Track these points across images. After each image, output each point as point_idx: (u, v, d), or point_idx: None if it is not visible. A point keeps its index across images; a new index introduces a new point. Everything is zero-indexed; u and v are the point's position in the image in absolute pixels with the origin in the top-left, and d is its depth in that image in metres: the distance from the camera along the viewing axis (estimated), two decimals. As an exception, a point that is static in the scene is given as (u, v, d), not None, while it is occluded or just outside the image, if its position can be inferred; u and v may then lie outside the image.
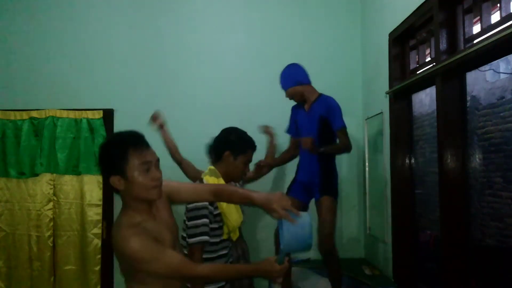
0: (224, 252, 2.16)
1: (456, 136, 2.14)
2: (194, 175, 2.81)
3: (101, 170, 1.50)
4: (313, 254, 3.48)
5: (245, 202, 1.69)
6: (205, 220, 2.01)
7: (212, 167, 2.25)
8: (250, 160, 2.28)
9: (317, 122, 2.79)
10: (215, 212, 2.08)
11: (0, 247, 3.36)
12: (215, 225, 2.08)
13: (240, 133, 2.29)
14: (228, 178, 2.22)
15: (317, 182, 2.76)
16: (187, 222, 2.05)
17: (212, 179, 2.16)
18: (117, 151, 1.43)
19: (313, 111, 2.82)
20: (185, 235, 2.08)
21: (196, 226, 2.00)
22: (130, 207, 1.48)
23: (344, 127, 2.77)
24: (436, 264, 2.49)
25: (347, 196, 3.55)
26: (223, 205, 2.10)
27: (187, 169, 2.92)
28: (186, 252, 2.02)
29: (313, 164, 2.78)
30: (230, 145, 2.20)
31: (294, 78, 2.85)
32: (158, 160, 1.50)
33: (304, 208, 2.83)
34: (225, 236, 2.15)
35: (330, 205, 2.69)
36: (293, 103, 3.00)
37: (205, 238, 2.00)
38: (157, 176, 1.46)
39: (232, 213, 2.17)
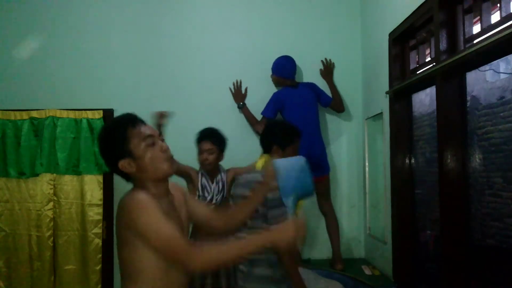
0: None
1: (456, 136, 2.14)
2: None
3: (107, 161, 1.45)
4: (313, 254, 3.49)
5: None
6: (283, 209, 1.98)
7: (267, 156, 2.21)
8: (298, 147, 2.28)
9: (311, 96, 3.31)
10: None
11: (0, 247, 3.36)
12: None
13: (283, 126, 2.32)
14: None
15: (321, 160, 3.20)
16: (267, 212, 1.98)
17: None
18: (117, 135, 1.40)
19: (302, 88, 3.35)
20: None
21: (280, 215, 1.92)
22: (146, 187, 1.41)
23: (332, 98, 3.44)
24: (436, 264, 2.49)
25: (347, 196, 3.55)
26: None
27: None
28: None
29: (318, 144, 3.23)
30: (276, 139, 2.21)
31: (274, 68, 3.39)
32: (160, 134, 1.50)
33: None
34: None
35: (329, 179, 3.34)
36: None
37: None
38: (165, 146, 1.44)
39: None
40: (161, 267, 1.37)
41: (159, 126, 2.84)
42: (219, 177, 2.79)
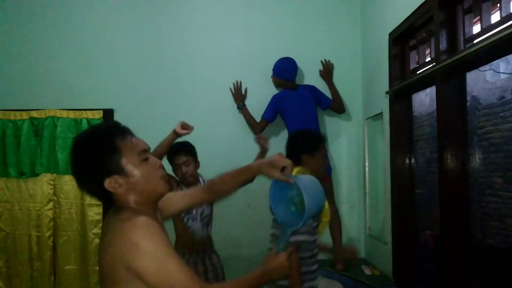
0: (317, 251, 2.14)
1: (456, 136, 2.14)
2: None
3: (86, 179, 1.18)
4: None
5: (245, 179, 1.46)
6: None
7: (300, 167, 2.20)
8: (326, 151, 2.33)
9: (310, 98, 3.31)
10: None
11: (0, 247, 3.36)
12: (314, 223, 2.06)
13: (306, 134, 2.33)
14: (316, 175, 2.17)
15: None
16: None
17: None
18: (104, 146, 1.15)
19: (301, 90, 3.35)
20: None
21: None
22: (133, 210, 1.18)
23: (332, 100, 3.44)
24: (436, 264, 2.49)
25: (347, 196, 3.55)
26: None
27: None
28: None
29: None
30: (302, 149, 2.21)
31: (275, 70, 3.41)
32: (149, 148, 1.27)
33: None
34: (319, 233, 2.14)
35: (331, 179, 3.33)
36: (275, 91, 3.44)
37: (301, 237, 1.97)
38: (160, 163, 1.24)
39: (327, 210, 2.13)
40: None
41: (177, 134, 2.54)
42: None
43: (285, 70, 3.38)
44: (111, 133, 1.19)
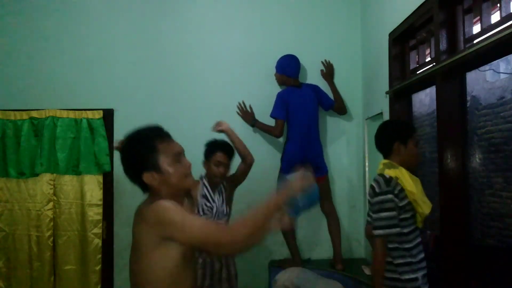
0: (419, 240, 2.12)
1: (456, 136, 2.14)
2: None
3: (130, 171, 1.45)
4: (313, 254, 3.49)
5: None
6: (390, 213, 2.01)
7: (386, 160, 2.19)
8: (418, 140, 2.25)
9: (313, 97, 3.32)
10: (401, 204, 2.04)
11: (0, 247, 3.36)
12: (406, 215, 2.05)
13: (398, 123, 2.32)
14: (406, 165, 2.16)
15: (318, 161, 3.23)
16: (372, 214, 2.08)
17: (392, 171, 2.10)
18: (145, 146, 1.42)
19: (305, 89, 3.35)
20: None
21: (380, 219, 2.02)
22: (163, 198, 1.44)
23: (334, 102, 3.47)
24: (436, 264, 2.49)
25: (347, 196, 3.55)
26: (415, 193, 2.03)
27: None
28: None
29: (317, 145, 3.27)
30: (395, 136, 2.16)
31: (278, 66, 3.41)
32: (183, 150, 1.52)
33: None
34: (418, 224, 2.10)
35: (328, 179, 3.39)
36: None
37: (389, 231, 2.00)
38: (189, 163, 1.49)
39: (424, 201, 2.09)
40: (180, 272, 1.40)
41: (221, 131, 2.63)
42: (220, 188, 2.71)
43: (287, 67, 3.36)
44: (153, 135, 1.44)
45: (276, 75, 3.43)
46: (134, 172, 1.44)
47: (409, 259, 2.03)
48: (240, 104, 3.50)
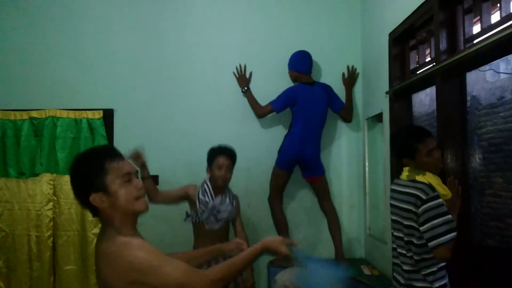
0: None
1: (456, 136, 2.14)
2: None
3: (77, 192, 1.37)
4: (314, 253, 3.48)
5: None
6: (448, 217, 1.83)
7: (408, 167, 2.05)
8: (434, 146, 2.02)
9: (325, 97, 3.29)
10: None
11: (0, 247, 3.36)
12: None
13: (409, 130, 2.15)
14: (429, 170, 2.01)
15: (313, 162, 3.23)
16: (421, 227, 1.88)
17: (422, 177, 1.96)
18: (93, 166, 1.34)
19: (317, 87, 3.30)
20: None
21: (439, 225, 1.82)
22: (115, 225, 1.36)
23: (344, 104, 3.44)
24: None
25: (347, 196, 3.55)
26: (447, 196, 1.92)
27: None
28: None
29: (315, 146, 3.24)
30: (409, 146, 2.01)
31: (291, 63, 3.38)
32: (136, 171, 1.45)
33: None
34: None
35: (325, 179, 3.35)
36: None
37: (453, 234, 1.82)
38: (140, 184, 1.40)
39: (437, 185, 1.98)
40: None
41: (142, 166, 2.48)
42: (225, 194, 2.70)
43: (298, 63, 3.32)
44: (101, 155, 1.37)
45: (289, 72, 3.38)
46: (81, 194, 1.36)
47: (435, 268, 1.94)
48: (240, 66, 3.48)
